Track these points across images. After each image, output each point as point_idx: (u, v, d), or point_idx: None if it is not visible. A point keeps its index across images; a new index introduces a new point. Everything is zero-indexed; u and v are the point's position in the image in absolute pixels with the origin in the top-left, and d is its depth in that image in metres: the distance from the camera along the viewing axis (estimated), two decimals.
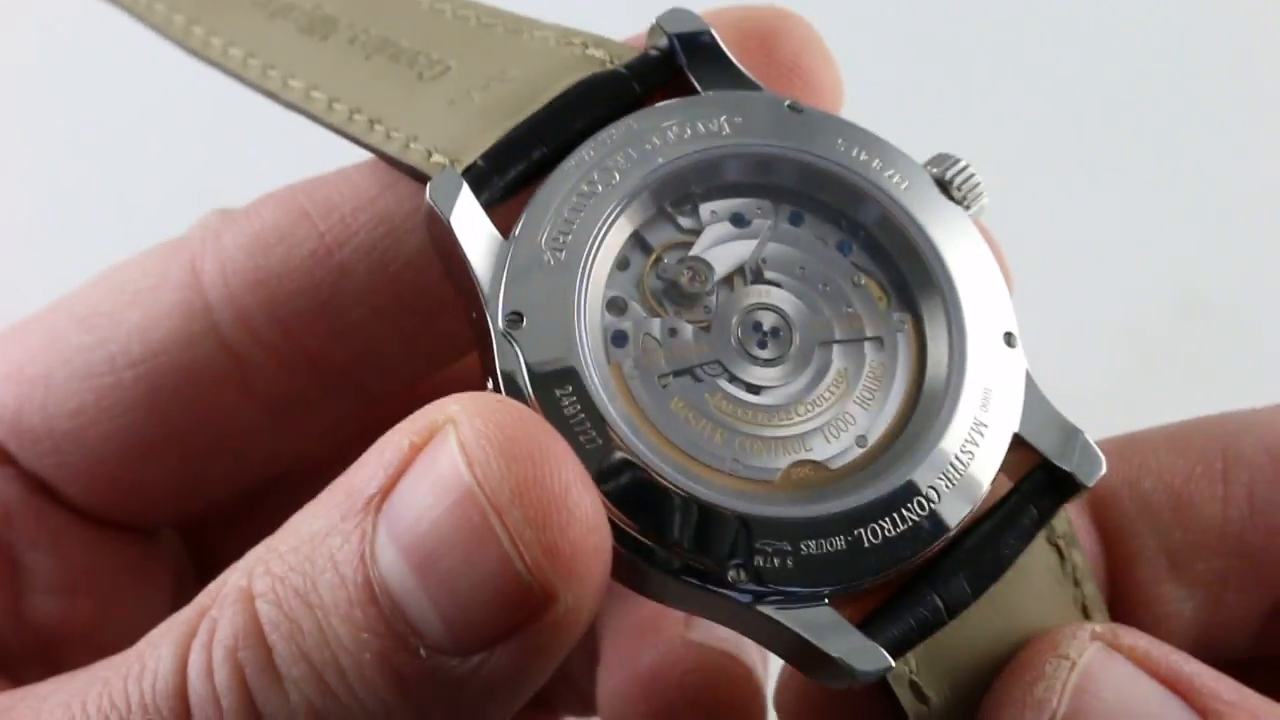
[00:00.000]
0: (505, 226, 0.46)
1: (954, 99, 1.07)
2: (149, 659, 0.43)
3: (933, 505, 0.44)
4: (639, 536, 0.43)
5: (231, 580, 0.42)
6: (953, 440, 0.45)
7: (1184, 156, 1.11)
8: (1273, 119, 1.15)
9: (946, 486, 0.45)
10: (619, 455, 0.43)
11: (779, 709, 0.50)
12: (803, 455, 0.46)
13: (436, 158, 0.48)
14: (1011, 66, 1.15)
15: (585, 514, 0.40)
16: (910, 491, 0.44)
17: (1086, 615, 0.48)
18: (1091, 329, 1.02)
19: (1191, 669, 0.44)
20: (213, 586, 0.43)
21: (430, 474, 0.40)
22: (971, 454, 0.45)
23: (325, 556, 0.41)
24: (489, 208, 0.46)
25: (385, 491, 0.41)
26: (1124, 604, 0.50)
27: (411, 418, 0.42)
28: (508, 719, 0.43)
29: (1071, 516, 0.49)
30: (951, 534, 0.45)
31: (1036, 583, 0.47)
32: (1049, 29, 1.18)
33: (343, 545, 0.41)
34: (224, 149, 1.11)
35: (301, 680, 0.40)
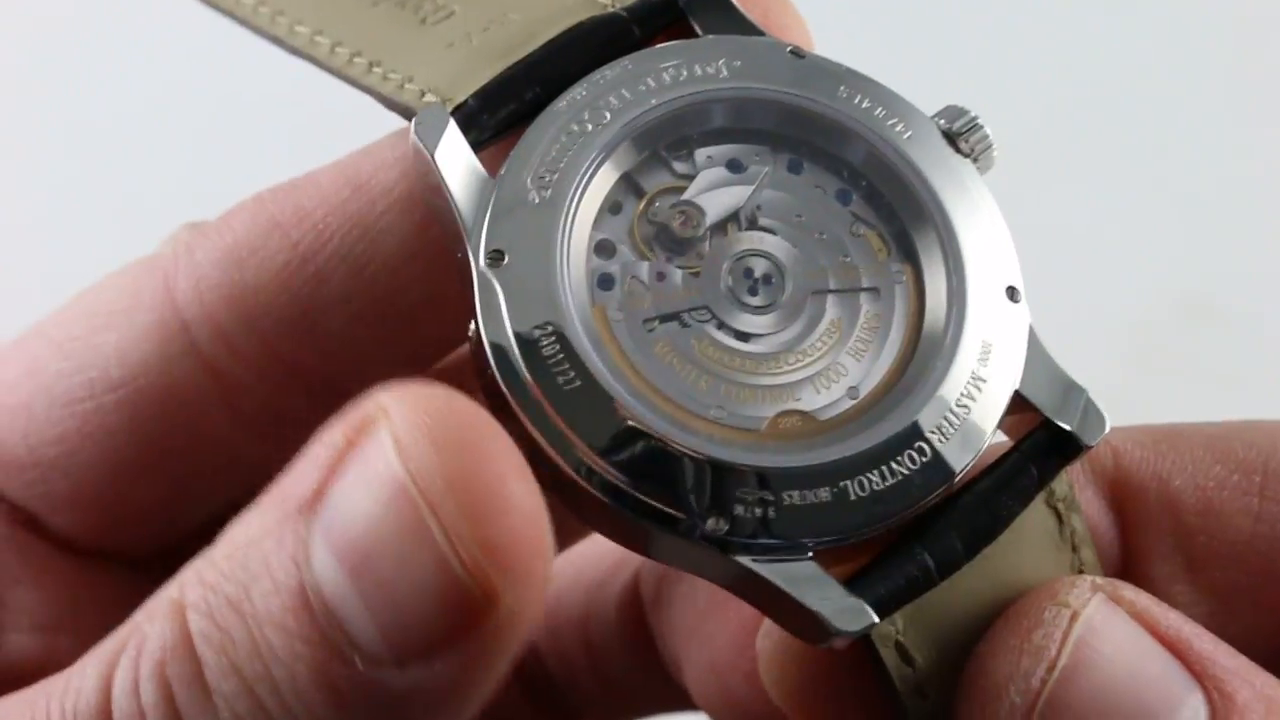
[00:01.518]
0: (495, 167, 0.45)
1: (956, 97, 1.07)
2: (75, 678, 0.41)
3: (924, 460, 0.43)
4: (616, 482, 0.42)
5: (165, 593, 0.41)
6: (948, 393, 0.43)
7: (1186, 157, 1.10)
8: (1275, 119, 1.14)
9: (940, 441, 0.43)
10: (598, 398, 0.42)
11: (762, 670, 0.49)
12: (791, 405, 0.44)
13: (429, 97, 0.48)
14: (1013, 65, 1.14)
15: (523, 505, 0.38)
16: (900, 445, 0.43)
17: None
18: (1092, 329, 1.01)
19: (1191, 630, 0.43)
20: (149, 601, 0.41)
21: (364, 470, 0.38)
22: (968, 409, 0.43)
23: (259, 562, 0.39)
24: (479, 147, 0.45)
25: (319, 492, 0.39)
26: None
27: (347, 411, 0.40)
28: None
29: (1089, 499, 0.48)
30: (944, 490, 0.43)
31: (1033, 546, 0.45)
32: (1050, 28, 1.17)
33: (277, 550, 0.39)
34: (221, 150, 1.11)
35: (232, 695, 0.38)
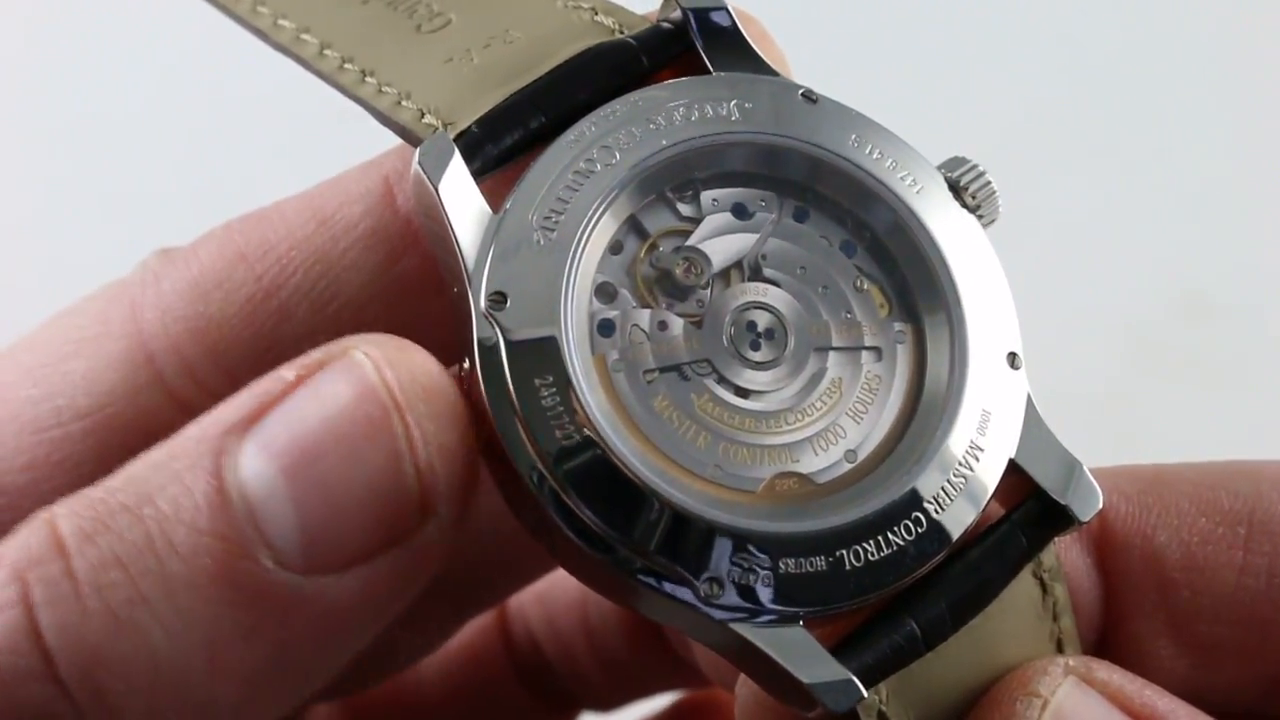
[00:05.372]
0: (495, 199, 0.44)
1: (956, 95, 1.06)
2: None
3: (919, 530, 0.42)
4: (610, 539, 0.41)
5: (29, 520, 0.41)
6: (947, 462, 0.43)
7: (1187, 154, 1.10)
8: (1275, 118, 1.13)
9: (936, 511, 0.43)
10: (596, 452, 0.41)
11: (739, 714, 0.49)
12: (789, 467, 0.44)
13: (429, 119, 0.46)
14: (1013, 62, 1.13)
15: (468, 435, 0.41)
16: (898, 515, 0.42)
17: (1060, 649, 0.46)
18: (1094, 327, 1.02)
19: (1166, 705, 0.43)
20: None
21: (323, 386, 0.40)
22: (965, 479, 0.43)
23: (166, 475, 0.40)
24: (479, 176, 0.44)
25: (255, 416, 0.40)
26: (1116, 653, 0.48)
27: (293, 360, 0.42)
28: (339, 661, 0.42)
29: (1074, 557, 0.48)
30: (937, 560, 0.43)
31: (1016, 616, 0.45)
32: (1052, 25, 1.16)
33: (192, 465, 0.40)
34: (221, 150, 1.10)
35: (109, 587, 0.39)
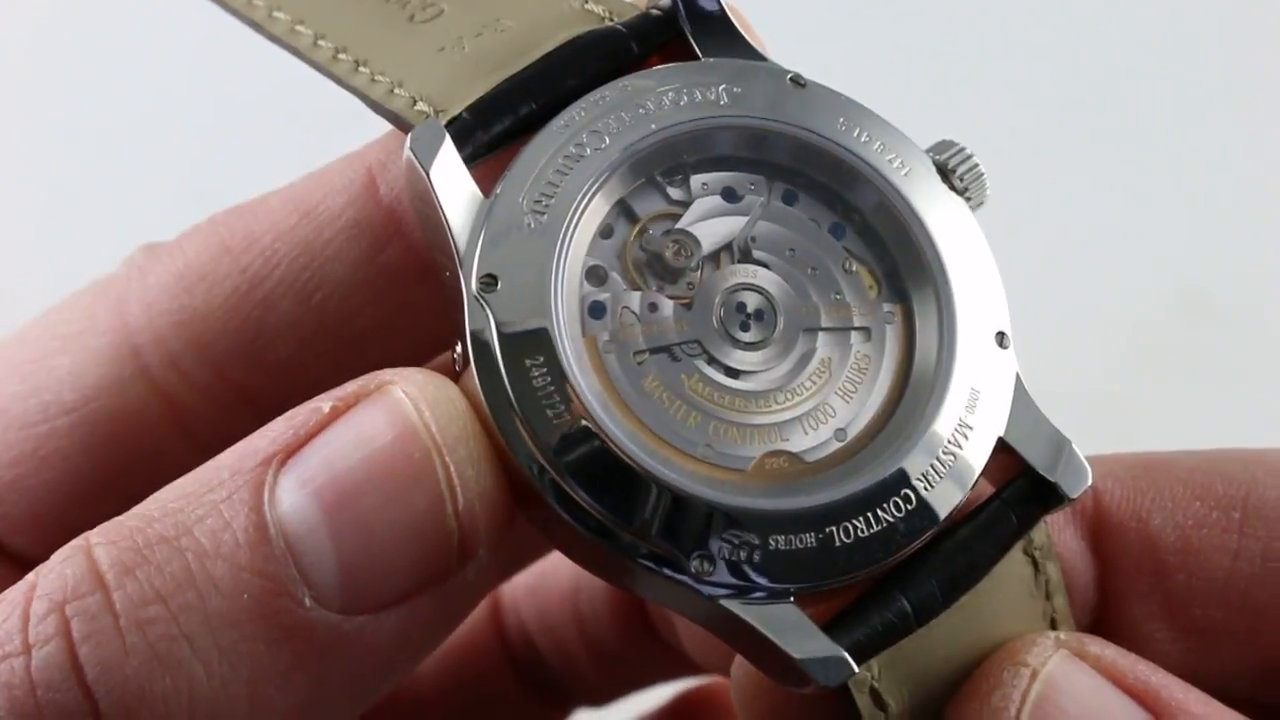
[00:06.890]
0: (487, 184, 0.44)
1: (956, 92, 1.07)
2: None
3: (908, 508, 0.43)
4: (600, 517, 0.41)
5: (64, 547, 0.40)
6: (935, 441, 0.43)
7: (1187, 152, 1.10)
8: (1275, 118, 1.13)
9: (925, 489, 0.43)
10: (586, 431, 0.41)
11: (735, 694, 0.49)
12: (778, 445, 0.44)
13: (421, 106, 0.47)
14: (1013, 59, 1.14)
15: (501, 476, 0.41)
16: (887, 492, 0.43)
17: (1054, 628, 0.46)
18: (1094, 325, 1.02)
19: (1159, 680, 0.43)
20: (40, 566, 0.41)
21: (362, 422, 0.40)
22: (954, 456, 0.43)
23: (205, 506, 0.40)
24: (471, 163, 0.45)
25: (291, 449, 0.40)
26: (1110, 637, 0.48)
27: (329, 392, 0.41)
28: (376, 696, 0.41)
29: (1068, 539, 0.48)
30: (927, 537, 0.43)
31: (1008, 594, 0.45)
32: (1053, 22, 1.17)
33: (229, 496, 0.40)
34: (205, 146, 1.11)
35: (149, 623, 0.38)
